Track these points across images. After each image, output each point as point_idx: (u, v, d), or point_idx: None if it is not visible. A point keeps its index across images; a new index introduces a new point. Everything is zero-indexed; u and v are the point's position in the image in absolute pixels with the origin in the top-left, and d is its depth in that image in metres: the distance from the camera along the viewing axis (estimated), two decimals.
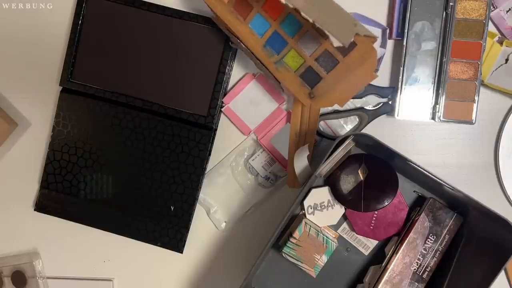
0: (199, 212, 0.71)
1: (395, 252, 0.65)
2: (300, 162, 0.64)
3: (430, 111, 0.68)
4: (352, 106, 0.70)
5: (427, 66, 0.67)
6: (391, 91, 0.69)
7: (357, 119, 0.70)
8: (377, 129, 0.69)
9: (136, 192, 0.69)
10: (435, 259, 0.64)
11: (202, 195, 0.70)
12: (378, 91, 0.69)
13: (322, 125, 0.70)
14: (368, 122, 0.69)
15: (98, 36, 0.67)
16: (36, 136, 0.72)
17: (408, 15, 0.66)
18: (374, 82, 0.69)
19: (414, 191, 0.68)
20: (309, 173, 0.64)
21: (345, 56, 0.57)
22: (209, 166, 0.70)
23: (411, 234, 0.64)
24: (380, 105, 0.69)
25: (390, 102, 0.69)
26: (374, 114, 0.69)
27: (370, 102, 0.69)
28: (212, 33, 0.66)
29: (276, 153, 0.69)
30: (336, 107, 0.70)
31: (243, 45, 0.62)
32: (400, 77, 0.67)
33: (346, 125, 0.70)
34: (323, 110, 0.70)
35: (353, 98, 0.69)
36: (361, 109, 0.69)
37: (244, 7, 0.60)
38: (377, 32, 0.69)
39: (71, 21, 0.68)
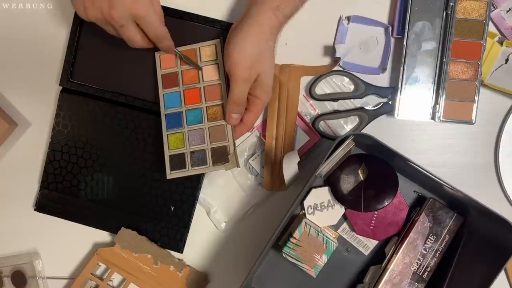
0: (199, 212, 0.71)
1: (395, 252, 0.65)
2: (290, 169, 0.64)
3: (430, 111, 0.68)
4: (352, 106, 0.70)
5: (427, 66, 0.67)
6: (391, 91, 0.69)
7: (357, 119, 0.70)
8: (377, 129, 0.69)
9: (136, 192, 0.69)
10: (435, 259, 0.64)
11: (202, 195, 0.70)
12: (378, 91, 0.69)
13: (322, 125, 0.70)
14: (368, 122, 0.69)
15: (98, 36, 0.67)
16: (36, 136, 0.71)
17: (408, 15, 0.66)
18: (374, 82, 0.69)
19: (414, 191, 0.68)
20: (297, 177, 0.65)
21: (214, 165, 0.64)
22: None
23: (411, 234, 0.64)
24: (380, 105, 0.69)
25: (390, 102, 0.69)
26: (374, 114, 0.69)
27: (370, 102, 0.69)
28: (211, 33, 0.66)
29: None
30: (334, 107, 0.70)
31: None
32: (400, 77, 0.67)
33: (346, 125, 0.70)
34: (323, 110, 0.70)
35: (353, 98, 0.69)
36: (361, 109, 0.69)
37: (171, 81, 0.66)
38: (380, 31, 0.69)
39: (71, 21, 0.68)
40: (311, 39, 0.69)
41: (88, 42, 0.68)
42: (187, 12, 0.66)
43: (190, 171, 0.64)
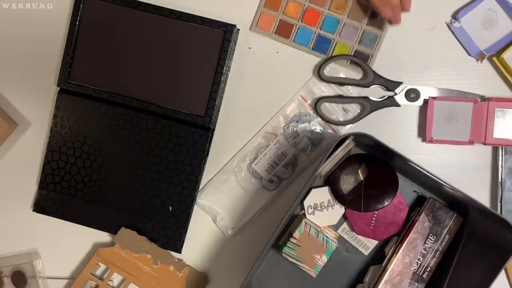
0: (199, 212, 0.71)
1: (395, 252, 0.64)
2: None
3: None
4: (355, 94, 0.70)
5: None
6: (399, 85, 0.68)
7: (359, 108, 0.69)
8: (377, 129, 0.69)
9: (134, 192, 0.69)
10: (435, 259, 0.64)
11: (207, 203, 0.70)
12: (386, 83, 0.68)
13: (323, 108, 0.69)
14: (370, 112, 0.68)
15: (96, 37, 0.67)
16: (36, 136, 0.71)
17: None
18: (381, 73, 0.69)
19: (414, 191, 0.68)
20: None
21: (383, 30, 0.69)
22: (211, 170, 0.70)
23: (411, 234, 0.64)
24: (384, 98, 0.68)
25: (395, 97, 0.68)
26: (377, 105, 0.68)
27: (375, 95, 0.69)
28: (209, 33, 0.66)
29: None
30: (340, 91, 0.70)
31: None
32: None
33: (347, 113, 0.69)
34: (326, 93, 0.69)
35: (358, 85, 0.69)
36: (365, 98, 0.69)
37: (286, 29, 0.70)
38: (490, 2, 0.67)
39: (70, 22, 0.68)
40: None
41: (86, 42, 0.68)
42: (184, 13, 0.66)
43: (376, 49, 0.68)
